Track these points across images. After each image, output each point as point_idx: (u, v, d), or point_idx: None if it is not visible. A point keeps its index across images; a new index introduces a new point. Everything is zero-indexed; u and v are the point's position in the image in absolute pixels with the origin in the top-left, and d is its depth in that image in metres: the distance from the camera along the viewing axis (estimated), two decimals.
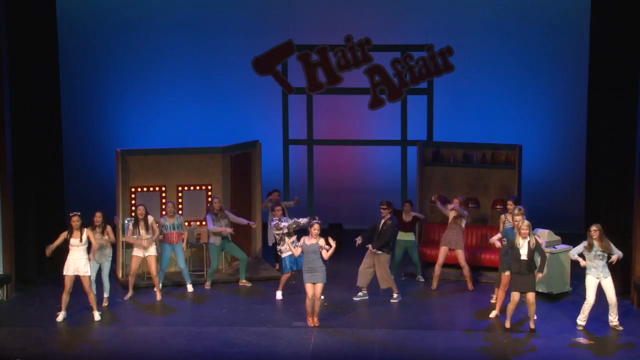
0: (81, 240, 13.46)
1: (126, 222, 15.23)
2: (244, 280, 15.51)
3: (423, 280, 15.80)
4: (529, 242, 13.09)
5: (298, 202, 16.45)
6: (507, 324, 13.29)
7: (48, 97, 15.90)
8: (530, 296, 13.11)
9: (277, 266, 15.80)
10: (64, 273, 13.57)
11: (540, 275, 13.24)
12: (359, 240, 14.55)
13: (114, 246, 15.35)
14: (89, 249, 13.64)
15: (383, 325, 13.61)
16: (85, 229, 13.58)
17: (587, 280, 13.27)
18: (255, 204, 16.87)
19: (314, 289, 13.37)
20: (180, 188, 16.06)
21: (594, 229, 13.17)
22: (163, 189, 15.93)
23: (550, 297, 14.69)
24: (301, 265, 14.33)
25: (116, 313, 14.08)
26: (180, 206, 15.98)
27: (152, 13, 19.06)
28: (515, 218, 13.70)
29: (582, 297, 13.39)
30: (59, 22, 16.23)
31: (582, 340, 12.91)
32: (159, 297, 14.73)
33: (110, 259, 14.25)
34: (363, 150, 19.37)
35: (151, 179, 15.89)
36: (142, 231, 14.55)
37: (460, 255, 15.16)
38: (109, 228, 14.05)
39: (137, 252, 14.63)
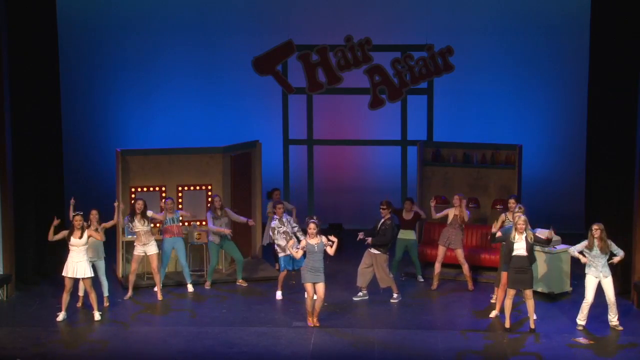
0: (81, 239, 13.46)
1: (126, 221, 15.24)
2: (240, 280, 15.51)
3: (422, 280, 15.80)
4: (526, 237, 13.07)
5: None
6: (507, 324, 13.29)
7: (48, 97, 15.89)
8: (528, 292, 13.10)
9: (277, 266, 15.80)
10: (64, 274, 13.56)
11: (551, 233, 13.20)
12: (361, 234, 14.54)
13: (114, 246, 15.41)
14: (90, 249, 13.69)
15: (383, 325, 13.61)
16: (87, 230, 13.58)
17: (586, 279, 13.28)
18: (255, 204, 16.86)
19: (314, 289, 13.37)
20: (180, 188, 16.06)
21: (596, 228, 13.14)
22: (163, 189, 15.93)
23: (550, 297, 14.69)
24: (297, 265, 14.37)
25: (116, 313, 14.08)
26: (180, 206, 15.98)
27: (152, 13, 19.05)
28: (515, 215, 13.69)
29: (582, 297, 13.38)
30: (59, 22, 16.23)
31: (582, 340, 12.91)
32: (160, 296, 14.73)
33: (104, 257, 14.25)
34: (363, 150, 19.37)
35: (151, 179, 15.89)
36: (138, 223, 14.58)
37: (460, 253, 15.16)
38: (102, 225, 14.06)
39: (138, 251, 14.65)
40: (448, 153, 17.25)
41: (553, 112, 18.91)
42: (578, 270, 14.36)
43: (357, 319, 13.92)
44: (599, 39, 15.66)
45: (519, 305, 13.81)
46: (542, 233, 14.82)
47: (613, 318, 13.34)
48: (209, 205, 15.84)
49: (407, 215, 15.61)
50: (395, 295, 14.64)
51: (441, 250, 15.27)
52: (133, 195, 15.60)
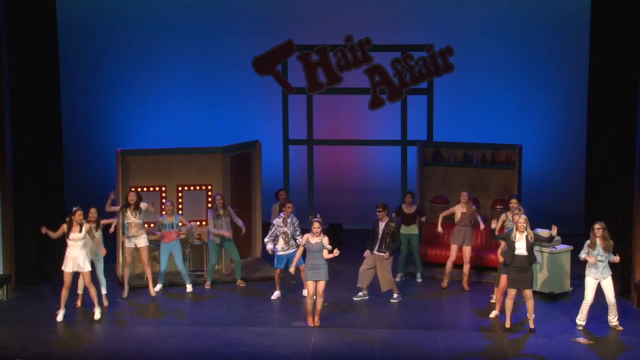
0: (80, 233, 13.46)
1: (126, 222, 15.23)
2: (239, 280, 15.51)
3: (421, 280, 15.79)
4: (526, 236, 13.08)
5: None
6: (507, 324, 13.29)
7: (48, 97, 15.90)
8: (528, 292, 13.10)
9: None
10: (63, 269, 13.59)
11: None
12: (367, 253, 14.54)
13: (114, 245, 15.41)
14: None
15: (383, 325, 13.61)
16: (85, 224, 13.60)
17: (586, 280, 13.27)
18: (255, 204, 16.86)
19: (315, 287, 13.38)
20: (180, 188, 16.06)
21: (598, 227, 13.12)
22: (163, 189, 15.93)
23: (550, 297, 14.69)
24: (290, 263, 14.43)
25: (116, 313, 14.08)
26: (180, 206, 15.99)
27: (152, 13, 19.05)
28: (515, 215, 13.70)
29: (582, 297, 13.38)
30: (59, 22, 16.23)
31: (582, 340, 12.91)
32: (152, 293, 14.74)
33: (103, 255, 14.27)
34: (363, 150, 19.37)
35: (151, 179, 15.89)
36: (130, 214, 14.64)
37: (469, 251, 15.13)
38: (101, 222, 14.07)
39: (128, 243, 14.70)
40: (448, 153, 17.25)
41: (553, 112, 18.91)
42: (578, 270, 14.37)
43: (357, 319, 13.92)
44: (599, 39, 15.66)
45: (518, 305, 13.81)
46: (543, 233, 14.84)
47: (613, 319, 13.34)
48: (210, 204, 15.84)
49: (409, 209, 15.62)
50: (395, 296, 14.64)
51: (454, 249, 15.22)
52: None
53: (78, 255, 13.53)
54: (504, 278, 13.62)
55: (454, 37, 17.99)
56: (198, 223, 15.89)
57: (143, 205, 14.78)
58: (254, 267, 16.38)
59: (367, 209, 18.08)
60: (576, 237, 14.36)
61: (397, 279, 15.65)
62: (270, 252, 14.74)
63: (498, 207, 16.28)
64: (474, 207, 15.26)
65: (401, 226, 15.56)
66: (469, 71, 18.45)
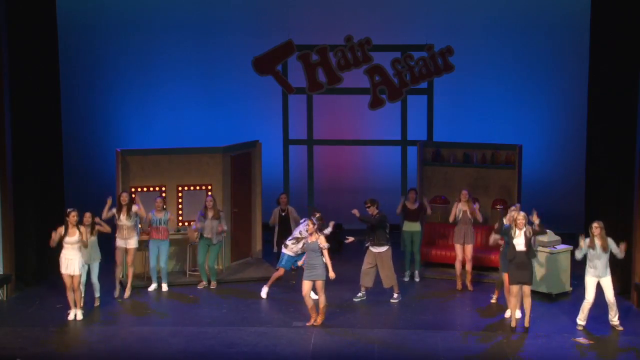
0: (74, 236, 13.45)
1: (118, 224, 15.21)
2: (213, 282, 15.42)
3: (419, 279, 15.80)
4: (525, 232, 13.09)
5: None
6: (513, 323, 13.29)
7: (48, 97, 15.90)
8: (527, 289, 13.13)
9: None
10: (62, 271, 13.60)
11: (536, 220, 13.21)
12: (348, 240, 14.54)
13: (112, 247, 15.38)
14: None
15: (383, 325, 13.61)
16: (81, 227, 13.59)
17: (586, 279, 13.28)
18: (255, 204, 16.86)
19: (310, 287, 13.37)
20: (180, 188, 16.07)
21: (596, 226, 13.13)
22: (163, 189, 15.93)
23: (550, 297, 14.69)
24: (288, 265, 14.47)
25: (116, 313, 14.08)
26: (180, 206, 15.99)
27: (152, 13, 19.05)
28: (518, 218, 13.70)
29: (582, 297, 13.38)
30: (59, 22, 16.23)
31: (582, 340, 12.91)
32: (127, 294, 14.75)
33: (99, 259, 14.25)
34: (363, 150, 19.36)
35: (151, 179, 15.89)
36: (123, 217, 14.64)
37: (470, 250, 15.13)
38: (95, 228, 14.06)
39: (119, 244, 14.69)
40: (448, 153, 17.24)
41: (553, 112, 18.90)
42: (578, 270, 14.36)
43: (357, 319, 13.92)
44: (599, 39, 15.66)
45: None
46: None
47: (613, 318, 13.34)
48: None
49: (412, 206, 15.63)
50: (395, 295, 14.64)
51: (459, 249, 15.21)
52: (133, 195, 15.60)
53: (73, 257, 13.52)
54: (506, 277, 13.61)
55: (454, 37, 17.98)
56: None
57: (135, 207, 14.76)
58: (254, 267, 16.38)
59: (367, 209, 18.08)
60: (576, 237, 14.31)
61: (406, 279, 15.66)
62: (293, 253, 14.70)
63: (498, 207, 16.27)
64: (474, 206, 15.26)
65: (404, 223, 15.60)
66: (469, 71, 18.44)
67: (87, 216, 13.94)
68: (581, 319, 13.31)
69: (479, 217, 15.22)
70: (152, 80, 19.15)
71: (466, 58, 18.10)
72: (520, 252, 13.07)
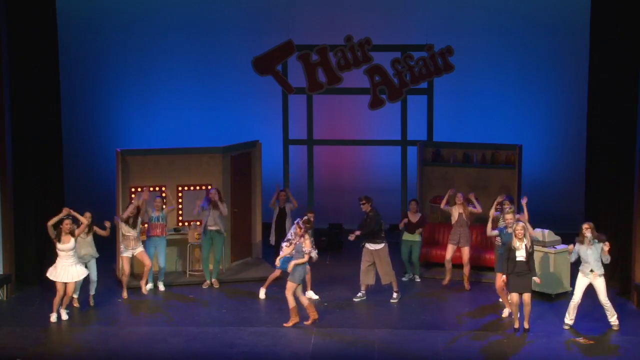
0: (69, 244, 13.40)
1: (124, 234, 15.21)
2: (214, 280, 15.45)
3: (419, 280, 15.81)
4: (525, 244, 13.09)
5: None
6: (516, 324, 13.30)
7: (48, 97, 15.90)
8: (527, 297, 13.14)
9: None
10: (53, 278, 13.52)
11: (537, 279, 13.25)
12: (352, 236, 14.54)
13: (114, 245, 15.40)
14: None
15: (383, 325, 13.61)
16: (76, 230, 13.55)
17: (577, 278, 13.31)
18: (255, 204, 16.86)
19: (292, 287, 13.44)
20: (180, 188, 16.07)
21: (586, 227, 13.15)
22: (163, 189, 15.93)
23: (549, 297, 14.70)
24: (285, 266, 14.49)
25: (116, 313, 14.08)
26: (180, 206, 15.99)
27: (152, 13, 19.05)
28: (506, 216, 13.74)
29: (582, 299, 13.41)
30: (59, 22, 16.22)
31: (581, 340, 12.91)
32: (144, 290, 14.78)
33: (96, 256, 14.25)
34: (363, 150, 19.37)
35: (151, 179, 15.89)
36: (130, 229, 14.64)
37: (466, 252, 15.16)
38: (93, 228, 14.07)
39: (126, 253, 14.67)
40: (448, 153, 17.25)
41: (553, 112, 18.91)
42: (578, 271, 14.35)
43: (357, 319, 13.92)
44: (599, 39, 15.66)
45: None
46: (541, 234, 14.86)
47: (611, 318, 13.33)
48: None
49: (414, 218, 15.60)
50: (395, 295, 14.64)
51: (450, 249, 15.27)
52: (133, 195, 15.60)
53: (70, 264, 13.48)
54: (499, 278, 13.66)
55: (454, 37, 17.98)
56: (198, 223, 15.88)
57: (140, 219, 14.78)
58: (254, 267, 16.38)
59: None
60: (576, 238, 14.33)
61: (405, 279, 15.67)
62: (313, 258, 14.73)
63: (498, 207, 16.25)
64: (470, 208, 15.26)
65: (404, 233, 15.60)
66: (469, 71, 18.45)
67: (87, 215, 13.93)
68: (568, 319, 13.33)
69: (478, 208, 15.22)
70: (152, 80, 19.16)
71: (466, 58, 18.10)
72: (521, 262, 13.09)
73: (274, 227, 16.13)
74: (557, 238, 14.99)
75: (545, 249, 14.75)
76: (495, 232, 14.02)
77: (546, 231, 14.93)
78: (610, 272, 14.37)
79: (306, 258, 13.43)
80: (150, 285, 15.17)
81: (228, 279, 15.77)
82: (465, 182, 16.89)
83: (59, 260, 13.54)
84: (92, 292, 14.33)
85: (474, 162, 17.06)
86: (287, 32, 18.02)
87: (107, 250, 14.81)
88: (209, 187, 15.86)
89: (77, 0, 18.77)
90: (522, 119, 18.83)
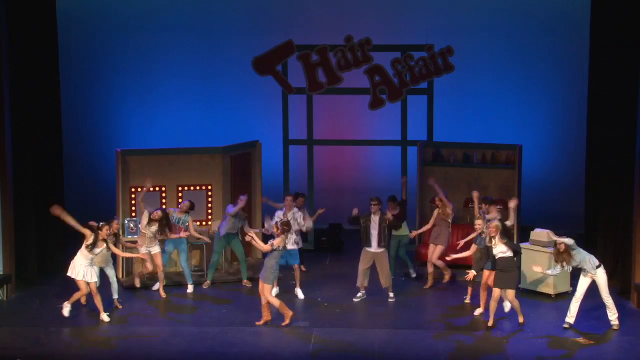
0: (101, 246, 13.45)
1: (126, 222, 15.26)
2: (245, 281, 15.52)
3: (415, 275, 15.83)
4: (498, 239, 13.14)
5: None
6: (490, 322, 13.35)
7: (48, 97, 15.90)
8: (510, 293, 13.20)
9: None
10: (76, 277, 13.51)
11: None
12: (355, 210, 14.56)
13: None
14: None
15: (383, 325, 13.61)
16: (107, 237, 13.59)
17: (580, 277, 13.35)
18: (255, 204, 16.87)
19: (262, 286, 13.44)
20: (180, 188, 16.07)
21: (559, 243, 13.17)
22: (163, 189, 15.93)
23: (549, 297, 14.70)
24: (291, 262, 14.53)
25: (116, 313, 14.07)
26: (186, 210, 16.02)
27: (152, 13, 19.05)
28: (476, 222, 13.84)
29: (583, 298, 13.40)
30: (59, 22, 16.23)
31: (581, 340, 12.91)
32: (163, 294, 14.79)
33: (112, 262, 14.30)
34: (363, 150, 19.36)
35: (151, 179, 15.87)
36: (149, 228, 14.62)
37: (438, 251, 15.17)
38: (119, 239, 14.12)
39: (144, 250, 14.68)
40: (448, 153, 17.25)
41: (553, 112, 18.91)
42: (578, 271, 14.34)
43: (357, 319, 13.92)
44: (599, 39, 15.66)
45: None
46: (541, 233, 14.85)
47: (612, 316, 13.34)
48: (210, 204, 15.90)
49: (394, 212, 15.65)
50: (391, 295, 14.66)
51: (430, 249, 15.34)
52: (133, 195, 15.60)
53: (88, 264, 13.50)
54: (485, 274, 13.69)
55: (454, 37, 17.98)
56: (198, 223, 15.89)
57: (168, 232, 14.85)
58: (254, 267, 16.37)
59: (367, 209, 18.06)
60: (576, 237, 14.33)
61: (402, 278, 15.69)
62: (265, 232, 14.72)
63: (498, 207, 16.24)
64: (449, 204, 15.28)
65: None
66: (469, 71, 18.44)
67: (115, 225, 13.91)
68: (569, 317, 13.34)
69: (448, 207, 15.20)
70: (152, 80, 19.16)
71: (466, 58, 18.10)
72: (507, 257, 13.16)
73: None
74: (557, 238, 14.95)
75: (546, 249, 14.74)
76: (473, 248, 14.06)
77: (546, 231, 14.92)
78: (611, 272, 14.37)
79: (267, 247, 13.36)
80: (157, 285, 15.18)
81: (228, 278, 15.77)
82: (465, 182, 16.89)
83: (79, 259, 13.49)
84: (115, 295, 14.30)
85: (474, 162, 17.06)
86: (287, 32, 18.01)
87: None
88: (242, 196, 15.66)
89: (77, 0, 18.77)
90: (522, 119, 18.83)
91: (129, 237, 15.35)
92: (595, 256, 13.37)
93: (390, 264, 15.49)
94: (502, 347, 12.68)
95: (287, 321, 13.41)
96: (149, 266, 14.74)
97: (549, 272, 13.53)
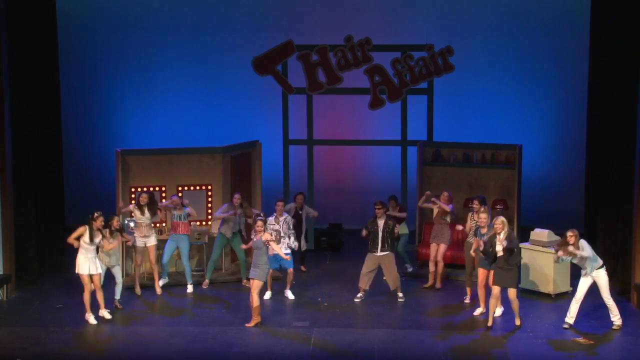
0: (98, 239, 13.46)
1: (126, 221, 15.22)
2: (245, 281, 15.53)
3: (411, 269, 15.85)
4: (503, 236, 13.12)
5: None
6: (490, 322, 13.34)
7: (48, 97, 15.90)
8: (511, 292, 13.17)
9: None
10: (81, 272, 13.50)
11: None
12: (365, 233, 14.58)
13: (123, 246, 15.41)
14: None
15: (383, 325, 13.61)
16: (104, 230, 13.56)
17: (580, 278, 13.33)
18: (255, 204, 16.85)
19: (252, 285, 13.39)
20: (180, 188, 16.07)
21: (570, 235, 13.13)
22: (163, 189, 15.93)
23: (549, 297, 14.70)
24: (284, 265, 14.54)
25: (116, 313, 14.07)
26: (186, 201, 15.99)
27: (152, 13, 19.06)
28: (480, 216, 13.76)
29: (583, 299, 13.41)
30: (59, 22, 16.23)
31: (582, 340, 12.91)
32: (158, 291, 14.79)
33: (120, 263, 14.30)
34: (363, 150, 19.36)
35: (151, 179, 15.90)
36: (141, 215, 14.71)
37: (441, 250, 15.19)
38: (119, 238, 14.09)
39: (139, 243, 14.70)
40: (448, 153, 17.25)
41: (553, 112, 18.91)
42: (578, 271, 14.34)
43: (357, 319, 13.92)
44: (599, 39, 15.66)
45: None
46: (541, 233, 14.86)
47: (614, 317, 13.34)
48: (209, 204, 15.90)
49: (394, 212, 15.71)
50: (400, 295, 14.66)
51: (433, 248, 15.33)
52: (133, 195, 15.60)
53: (92, 257, 13.51)
54: (482, 272, 13.68)
55: (454, 37, 17.98)
56: (198, 223, 15.89)
57: (159, 213, 14.85)
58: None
59: (367, 209, 18.01)
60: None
61: (410, 269, 15.66)
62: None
63: (498, 207, 16.27)
64: (448, 208, 15.25)
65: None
66: (469, 71, 18.44)
67: (116, 220, 13.91)
68: (569, 317, 13.33)
69: (446, 208, 15.19)
70: (152, 80, 19.17)
71: (466, 58, 18.10)
72: (500, 256, 13.15)
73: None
74: (557, 238, 14.96)
75: (546, 249, 14.74)
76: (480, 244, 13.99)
77: (545, 231, 14.92)
78: (611, 272, 14.37)
79: (273, 245, 13.34)
80: (163, 281, 15.17)
81: (228, 278, 15.78)
82: (465, 182, 16.89)
83: (82, 253, 13.50)
84: (118, 296, 14.30)
85: (474, 162, 17.06)
86: (287, 32, 18.01)
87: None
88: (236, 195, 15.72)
89: (77, 0, 18.77)
90: (522, 119, 18.83)
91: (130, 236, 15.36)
92: None
93: (404, 257, 15.63)
94: (502, 347, 12.68)
95: (251, 324, 13.37)
96: (139, 259, 14.75)
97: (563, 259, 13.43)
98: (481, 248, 13.55)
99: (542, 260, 14.76)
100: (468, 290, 14.56)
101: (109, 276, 14.11)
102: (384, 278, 14.65)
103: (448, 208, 15.22)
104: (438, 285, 15.30)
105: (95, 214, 13.57)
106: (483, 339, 12.98)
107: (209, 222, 16.23)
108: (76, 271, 13.61)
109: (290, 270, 14.81)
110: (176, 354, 12.45)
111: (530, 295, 14.79)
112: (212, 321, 13.69)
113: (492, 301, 13.35)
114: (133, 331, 13.32)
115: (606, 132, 15.34)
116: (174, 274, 15.75)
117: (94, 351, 12.61)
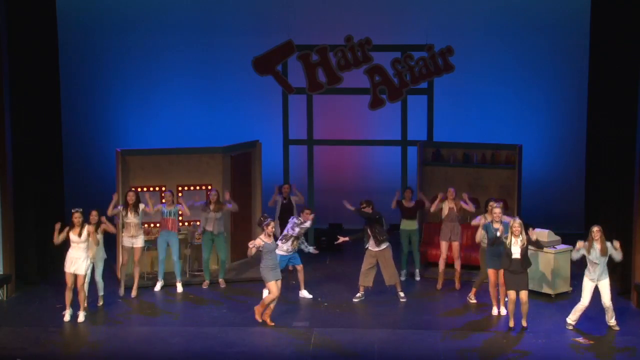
0: (80, 236, 13.46)
1: (125, 222, 15.21)
2: (221, 280, 15.50)
3: (419, 278, 15.83)
4: (520, 240, 13.12)
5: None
6: (511, 323, 13.33)
7: (48, 97, 15.90)
8: (523, 295, 13.17)
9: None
10: (65, 270, 13.59)
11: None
12: (340, 240, 14.70)
13: (114, 246, 15.39)
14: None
15: (383, 325, 13.61)
16: (87, 226, 13.59)
17: (583, 282, 13.27)
18: (255, 204, 16.87)
19: (277, 286, 13.43)
20: (180, 188, 16.07)
21: (596, 230, 13.11)
22: (163, 188, 15.93)
23: (550, 297, 14.70)
24: (291, 262, 14.56)
25: (116, 313, 14.08)
26: (180, 195, 15.98)
27: (152, 13, 19.06)
28: (495, 210, 13.73)
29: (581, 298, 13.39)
30: (59, 22, 16.23)
31: (581, 340, 12.91)
32: (134, 293, 14.79)
33: (104, 258, 14.27)
34: (363, 150, 19.36)
35: (151, 179, 15.90)
36: (130, 215, 14.69)
37: (457, 247, 15.19)
38: (101, 227, 14.05)
39: (126, 243, 14.70)
40: (448, 153, 17.24)
41: (553, 112, 18.91)
42: (578, 271, 14.36)
43: (357, 319, 13.92)
44: (598, 38, 15.67)
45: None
46: (542, 233, 14.85)
47: (610, 320, 13.32)
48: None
49: (408, 204, 15.70)
50: (402, 294, 14.65)
51: (444, 247, 15.29)
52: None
53: (78, 257, 13.53)
54: (492, 273, 13.68)
55: (454, 37, 17.97)
56: (198, 223, 15.88)
57: (141, 206, 14.82)
58: (253, 267, 16.35)
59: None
60: (576, 237, 14.33)
61: (402, 278, 15.66)
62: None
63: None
64: (461, 203, 15.27)
65: (402, 221, 15.70)
66: (469, 71, 18.44)
67: (94, 214, 13.95)
68: (572, 320, 13.31)
69: (470, 206, 15.22)
70: (152, 80, 19.17)
71: (466, 58, 18.09)
72: (516, 259, 13.11)
73: (279, 222, 16.10)
74: (557, 238, 14.99)
75: (545, 249, 14.74)
76: (481, 232, 13.94)
77: (546, 231, 14.93)
78: (611, 272, 14.36)
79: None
80: (159, 285, 15.15)
81: (228, 279, 15.76)
82: (466, 182, 16.89)
83: (69, 251, 13.55)
84: (101, 292, 14.31)
85: (474, 162, 17.06)
86: (287, 32, 18.00)
87: (107, 251, 14.76)
88: (210, 187, 15.87)
89: (77, 0, 18.77)
90: (522, 119, 18.83)
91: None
92: None
93: (403, 260, 15.56)
94: (502, 347, 12.68)
95: (258, 318, 13.52)
96: (125, 258, 14.76)
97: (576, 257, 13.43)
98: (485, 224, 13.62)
99: (542, 260, 14.75)
100: (474, 289, 14.52)
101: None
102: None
103: (472, 208, 15.24)
104: (457, 285, 15.27)
105: (73, 210, 13.59)
106: (482, 338, 12.97)
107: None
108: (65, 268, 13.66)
109: (300, 267, 14.82)
110: (176, 354, 12.45)
111: (530, 295, 14.70)
112: (212, 321, 13.69)
113: (510, 307, 13.32)
114: (133, 331, 13.32)
115: (606, 132, 15.33)
116: (172, 274, 15.74)
117: (93, 351, 12.60)
